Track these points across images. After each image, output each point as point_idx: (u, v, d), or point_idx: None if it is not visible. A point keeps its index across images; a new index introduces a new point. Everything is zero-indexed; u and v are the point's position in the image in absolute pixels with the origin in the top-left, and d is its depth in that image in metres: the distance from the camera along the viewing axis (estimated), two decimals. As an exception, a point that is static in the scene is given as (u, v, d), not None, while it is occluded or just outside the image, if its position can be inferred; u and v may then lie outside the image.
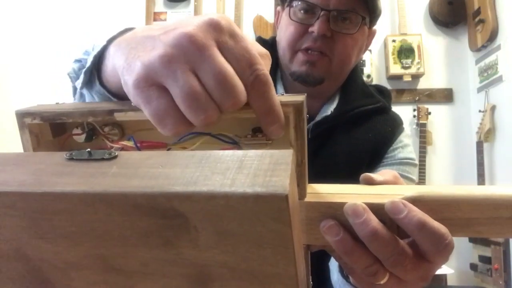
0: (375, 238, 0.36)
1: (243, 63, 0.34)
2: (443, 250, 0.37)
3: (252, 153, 0.28)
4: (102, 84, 0.47)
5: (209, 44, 0.33)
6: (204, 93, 0.33)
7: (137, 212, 0.26)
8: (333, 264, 0.74)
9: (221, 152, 0.29)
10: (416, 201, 0.38)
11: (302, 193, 0.38)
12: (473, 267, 2.50)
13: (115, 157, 0.30)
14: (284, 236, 0.26)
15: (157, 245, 0.28)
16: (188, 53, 0.33)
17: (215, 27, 0.34)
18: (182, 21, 0.35)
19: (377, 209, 0.37)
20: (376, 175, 0.43)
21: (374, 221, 0.36)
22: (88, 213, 0.27)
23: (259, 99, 0.35)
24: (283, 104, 0.36)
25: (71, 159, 0.30)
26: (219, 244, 0.27)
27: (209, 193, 0.25)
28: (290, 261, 0.27)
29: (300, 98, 0.36)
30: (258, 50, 0.37)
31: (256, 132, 0.41)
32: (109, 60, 0.43)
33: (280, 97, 0.37)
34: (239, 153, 0.28)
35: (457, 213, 0.38)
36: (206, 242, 0.27)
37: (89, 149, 0.31)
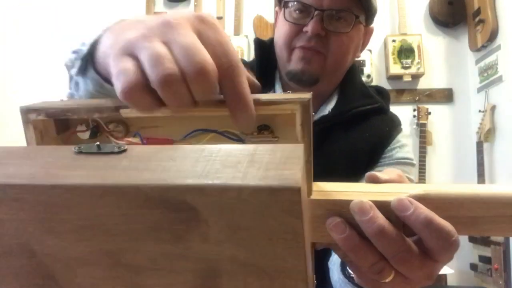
0: (382, 236, 0.36)
1: (219, 52, 0.35)
2: (449, 247, 0.37)
3: (262, 147, 0.28)
4: (96, 70, 0.48)
5: (186, 26, 0.35)
6: (169, 55, 0.34)
7: (148, 205, 0.26)
8: (333, 264, 0.74)
9: (231, 146, 0.29)
10: (421, 199, 0.37)
11: (308, 190, 0.38)
12: (473, 267, 2.50)
13: (125, 150, 0.30)
14: (295, 229, 0.26)
15: (166, 239, 0.28)
16: (164, 30, 0.35)
17: (199, 19, 0.37)
18: (175, 13, 0.37)
19: (383, 207, 0.37)
20: (381, 174, 0.43)
21: (381, 218, 0.36)
22: (98, 206, 0.27)
23: (231, 86, 0.36)
24: (290, 101, 0.36)
25: (79, 152, 0.30)
26: (229, 238, 0.27)
27: (221, 186, 0.25)
28: (300, 256, 0.27)
29: (307, 95, 0.36)
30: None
31: (262, 130, 0.41)
32: (102, 45, 0.45)
33: (286, 95, 0.37)
34: (249, 147, 0.28)
35: (462, 211, 0.38)
36: (216, 236, 0.27)
37: (98, 143, 0.30)
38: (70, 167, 0.29)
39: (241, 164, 0.27)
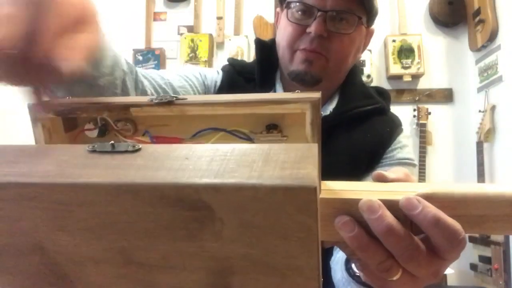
0: (390, 234, 0.36)
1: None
2: (457, 246, 0.37)
3: (276, 146, 0.28)
4: None
5: None
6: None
7: (163, 204, 0.26)
8: (335, 263, 0.74)
9: (245, 145, 0.29)
10: (429, 197, 0.38)
11: (319, 187, 0.38)
12: (473, 267, 2.51)
13: (139, 149, 0.30)
14: (309, 228, 0.26)
15: (180, 237, 0.28)
16: None
17: None
18: None
19: (391, 205, 0.37)
20: (388, 173, 0.43)
21: (389, 217, 0.37)
22: (112, 205, 0.27)
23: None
24: (300, 101, 0.36)
25: (93, 151, 0.30)
26: (243, 237, 0.27)
27: (237, 185, 0.25)
28: (313, 253, 0.27)
29: (316, 94, 0.37)
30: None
31: (271, 129, 0.41)
32: None
33: (296, 94, 0.37)
34: (264, 146, 0.28)
35: (469, 210, 0.38)
36: (230, 235, 0.27)
37: (112, 142, 0.30)
38: (85, 166, 0.29)
39: (256, 163, 0.27)
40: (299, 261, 0.28)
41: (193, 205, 0.26)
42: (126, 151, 0.30)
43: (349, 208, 0.38)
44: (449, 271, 2.36)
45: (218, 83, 0.98)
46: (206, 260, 0.29)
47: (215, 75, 1.00)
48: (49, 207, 0.28)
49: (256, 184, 0.25)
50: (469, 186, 0.39)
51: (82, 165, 0.29)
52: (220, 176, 0.26)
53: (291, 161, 0.26)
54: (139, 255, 0.30)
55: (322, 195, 0.38)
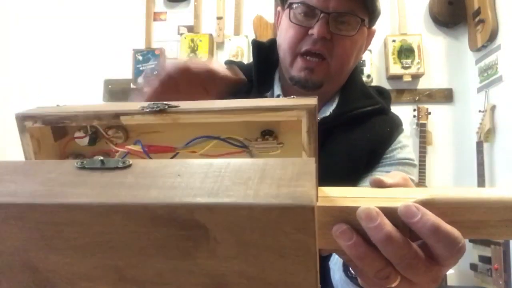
0: (389, 243, 0.36)
1: None
2: (456, 253, 0.37)
3: (272, 161, 0.27)
4: None
5: None
6: None
7: (156, 223, 0.25)
8: (334, 264, 0.74)
9: (240, 160, 0.28)
10: (427, 204, 0.37)
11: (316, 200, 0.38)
12: (473, 267, 2.50)
13: (130, 166, 0.29)
14: (307, 246, 0.25)
15: (174, 255, 0.27)
16: None
17: None
18: None
19: (390, 213, 0.37)
20: (386, 178, 0.43)
21: (388, 225, 0.36)
22: (102, 224, 0.26)
23: None
24: (296, 108, 0.35)
25: (82, 168, 0.29)
26: (238, 255, 0.26)
27: (232, 205, 0.24)
28: (311, 270, 0.26)
29: (313, 101, 0.36)
30: None
31: (266, 135, 0.40)
32: None
33: (291, 100, 0.36)
34: (259, 161, 0.28)
35: (468, 215, 0.38)
36: (225, 253, 0.26)
37: (101, 158, 0.30)
38: (73, 184, 0.28)
39: (252, 180, 0.26)
40: (297, 278, 0.27)
41: (187, 224, 0.25)
42: (116, 168, 0.29)
43: (347, 216, 0.37)
44: (449, 271, 2.35)
45: None
46: (201, 277, 0.28)
47: None
48: (37, 227, 0.27)
49: (252, 203, 0.24)
50: (467, 191, 0.38)
51: (71, 183, 0.28)
52: (215, 195, 0.25)
53: (287, 178, 0.26)
54: (132, 273, 0.29)
55: (320, 203, 0.38)
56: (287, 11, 0.90)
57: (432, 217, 0.36)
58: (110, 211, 0.26)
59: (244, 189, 0.25)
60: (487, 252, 2.40)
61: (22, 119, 0.39)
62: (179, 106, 0.38)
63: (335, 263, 0.73)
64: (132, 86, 2.92)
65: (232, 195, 0.25)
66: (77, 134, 0.41)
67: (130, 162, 0.29)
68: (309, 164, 0.27)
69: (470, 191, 0.38)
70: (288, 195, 0.24)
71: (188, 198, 0.25)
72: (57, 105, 0.41)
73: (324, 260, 0.78)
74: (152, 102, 0.38)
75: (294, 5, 0.88)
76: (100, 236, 0.27)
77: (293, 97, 0.39)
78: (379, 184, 0.42)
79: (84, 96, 2.88)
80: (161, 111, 0.37)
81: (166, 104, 0.38)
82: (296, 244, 0.25)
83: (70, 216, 0.26)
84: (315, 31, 0.85)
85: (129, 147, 0.40)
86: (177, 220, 0.25)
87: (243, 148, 0.40)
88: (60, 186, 0.28)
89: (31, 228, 0.27)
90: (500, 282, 2.27)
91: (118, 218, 0.26)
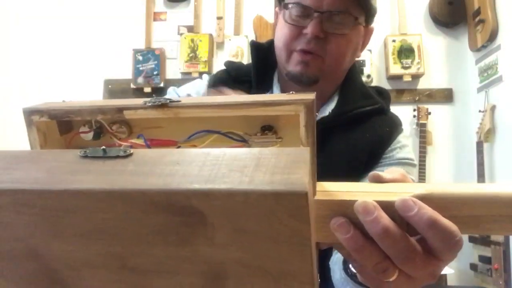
0: (386, 236, 0.36)
1: None
2: (453, 247, 0.37)
3: (268, 150, 0.28)
4: None
5: None
6: None
7: (155, 210, 0.26)
8: (334, 263, 0.74)
9: (236, 149, 0.29)
10: (425, 198, 0.38)
11: (312, 191, 0.38)
12: (473, 267, 2.50)
13: (130, 154, 0.30)
14: (302, 233, 0.25)
15: (173, 242, 0.28)
16: None
17: None
18: None
19: (387, 207, 0.37)
20: (384, 173, 0.43)
21: (385, 218, 0.36)
22: (104, 211, 0.27)
23: None
24: (294, 103, 0.36)
25: (85, 156, 0.30)
26: (235, 241, 0.27)
27: (228, 191, 0.25)
28: (307, 258, 0.27)
29: (311, 96, 0.36)
30: None
31: (266, 130, 0.41)
32: None
33: (290, 95, 0.36)
34: (254, 150, 0.28)
35: (466, 210, 0.38)
36: (222, 240, 0.27)
37: (103, 147, 0.30)
38: (76, 172, 0.28)
39: (247, 168, 0.27)
40: (293, 266, 0.27)
41: (184, 210, 0.26)
42: (118, 156, 0.30)
43: (345, 210, 0.38)
44: (449, 271, 2.35)
45: (203, 90, 1.00)
46: (199, 264, 0.29)
47: (196, 87, 1.02)
48: (40, 213, 0.28)
49: (247, 189, 0.25)
50: (465, 187, 0.38)
51: (74, 171, 0.29)
52: (211, 181, 0.26)
53: (282, 166, 0.26)
54: (133, 260, 0.30)
55: (318, 196, 0.38)
56: (283, 11, 0.91)
57: (429, 211, 0.36)
58: (110, 197, 0.26)
59: (239, 176, 0.26)
60: (487, 252, 2.40)
61: (29, 113, 0.40)
62: (180, 101, 0.39)
63: (335, 263, 0.73)
64: (132, 86, 2.92)
65: (228, 182, 0.26)
66: (82, 129, 0.42)
67: (131, 151, 0.30)
68: (303, 153, 0.27)
69: (468, 186, 0.38)
70: (282, 181, 0.25)
71: (185, 185, 0.26)
72: (63, 101, 0.42)
73: (324, 260, 0.78)
74: (155, 97, 0.39)
75: (289, 5, 0.89)
76: (101, 222, 0.28)
77: (292, 92, 0.39)
78: (378, 179, 0.43)
79: (84, 96, 2.89)
80: (163, 106, 0.38)
81: (167, 99, 0.39)
82: (290, 230, 0.26)
83: (73, 202, 0.27)
84: (308, 30, 0.85)
85: (132, 141, 0.41)
86: (175, 206, 0.26)
87: (243, 142, 0.40)
88: (64, 173, 0.29)
89: (35, 214, 0.28)
90: (500, 282, 2.27)
91: (119, 203, 0.26)
